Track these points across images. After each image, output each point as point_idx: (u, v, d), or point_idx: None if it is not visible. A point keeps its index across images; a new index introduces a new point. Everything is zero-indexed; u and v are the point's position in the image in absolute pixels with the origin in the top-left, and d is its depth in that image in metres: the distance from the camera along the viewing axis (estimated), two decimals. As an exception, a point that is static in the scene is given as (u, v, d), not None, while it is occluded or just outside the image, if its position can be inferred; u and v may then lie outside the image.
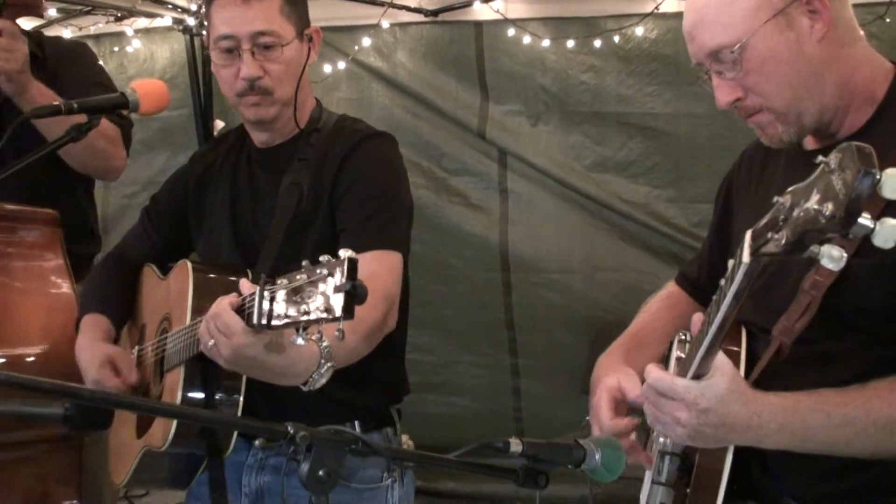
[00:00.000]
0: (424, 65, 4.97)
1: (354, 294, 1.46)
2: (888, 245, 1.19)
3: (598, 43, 4.66)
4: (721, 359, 1.59)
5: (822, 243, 1.22)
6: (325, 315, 1.50)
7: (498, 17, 4.69)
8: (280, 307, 1.59)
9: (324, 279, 1.50)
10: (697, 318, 1.67)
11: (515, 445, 1.57)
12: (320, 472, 1.39)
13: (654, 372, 1.63)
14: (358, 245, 1.74)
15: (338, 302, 1.47)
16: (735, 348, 1.81)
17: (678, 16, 1.84)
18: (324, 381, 1.81)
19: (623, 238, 4.95)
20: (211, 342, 1.80)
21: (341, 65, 4.84)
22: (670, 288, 2.23)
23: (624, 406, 1.92)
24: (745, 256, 1.35)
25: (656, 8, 4.43)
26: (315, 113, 2.36)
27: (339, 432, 1.42)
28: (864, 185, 1.14)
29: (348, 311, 1.47)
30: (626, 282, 4.87)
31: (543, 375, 5.03)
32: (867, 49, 1.77)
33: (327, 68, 4.80)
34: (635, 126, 4.81)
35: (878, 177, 1.15)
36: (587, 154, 4.91)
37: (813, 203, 1.20)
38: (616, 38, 4.64)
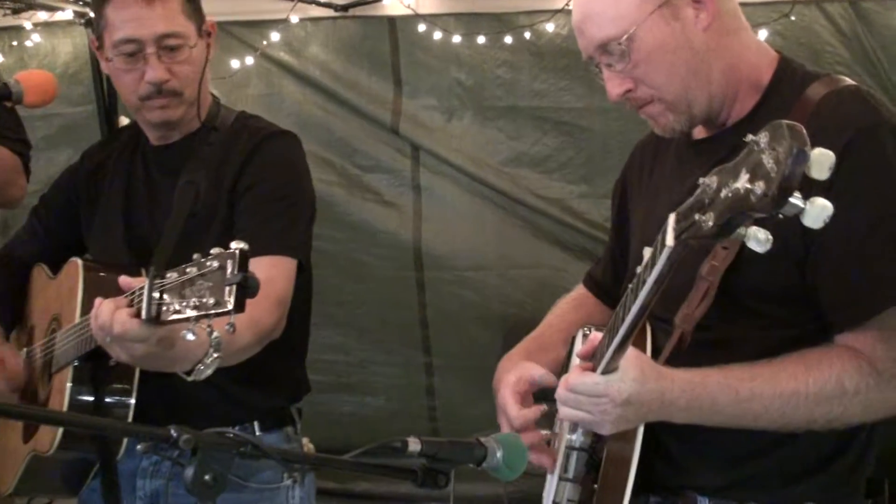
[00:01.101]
0: (336, 60, 4.88)
1: (246, 287, 1.42)
2: (817, 225, 1.17)
3: (509, 39, 4.63)
4: None
5: (747, 226, 1.20)
6: (215, 309, 1.45)
7: (409, 12, 4.63)
8: (170, 301, 1.54)
9: (215, 272, 1.45)
10: (595, 337, 1.67)
11: (414, 445, 1.52)
12: (206, 477, 1.32)
13: (574, 377, 1.63)
14: (255, 249, 1.70)
15: (229, 295, 1.42)
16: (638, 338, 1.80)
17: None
18: (209, 371, 1.74)
19: (536, 234, 4.93)
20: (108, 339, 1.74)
21: (249, 60, 4.73)
22: (578, 290, 2.23)
23: (530, 399, 1.92)
24: (669, 240, 1.32)
25: (567, 4, 4.42)
26: (213, 109, 2.32)
27: (225, 435, 1.36)
28: (798, 162, 1.12)
29: (240, 304, 1.42)
30: (540, 278, 4.85)
31: (458, 373, 4.99)
32: (752, 37, 1.81)
33: (235, 64, 4.69)
34: (549, 121, 4.79)
35: (808, 159, 1.13)
36: (502, 149, 4.88)
37: (742, 182, 1.17)
38: (527, 34, 4.62)
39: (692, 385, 1.62)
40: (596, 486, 1.78)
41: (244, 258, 1.42)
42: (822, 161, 1.14)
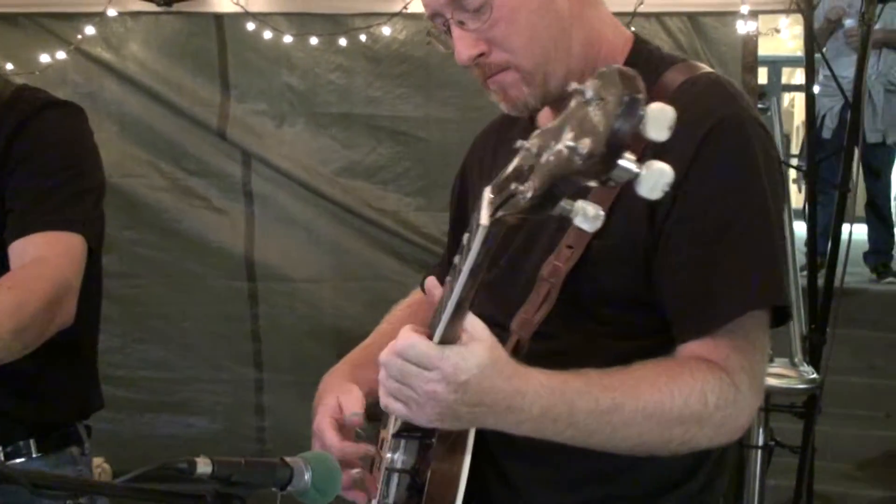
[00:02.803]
0: (159, 58, 4.64)
1: None
2: (654, 195, 0.97)
3: (343, 41, 4.48)
4: (476, 324, 1.34)
5: (575, 198, 1.00)
6: None
7: (238, 9, 4.41)
8: None
9: None
10: (430, 281, 1.48)
11: (204, 466, 1.31)
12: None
13: (407, 335, 1.33)
14: (27, 226, 1.46)
15: None
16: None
17: (429, 18, 1.65)
18: None
19: (373, 246, 4.81)
20: None
21: (61, 55, 4.43)
22: (415, 294, 2.04)
23: (351, 429, 1.69)
24: (484, 218, 1.11)
25: (405, 7, 4.28)
26: None
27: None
28: (631, 112, 0.92)
29: None
30: (377, 291, 4.71)
31: (290, 390, 4.80)
32: (608, 13, 1.68)
33: (45, 58, 4.38)
34: (385, 130, 4.68)
35: (642, 110, 0.93)
36: (335, 158, 4.74)
37: (566, 142, 0.96)
38: (363, 38, 4.48)
39: (550, 390, 1.37)
40: (419, 511, 1.60)
41: None
42: (659, 118, 0.94)
